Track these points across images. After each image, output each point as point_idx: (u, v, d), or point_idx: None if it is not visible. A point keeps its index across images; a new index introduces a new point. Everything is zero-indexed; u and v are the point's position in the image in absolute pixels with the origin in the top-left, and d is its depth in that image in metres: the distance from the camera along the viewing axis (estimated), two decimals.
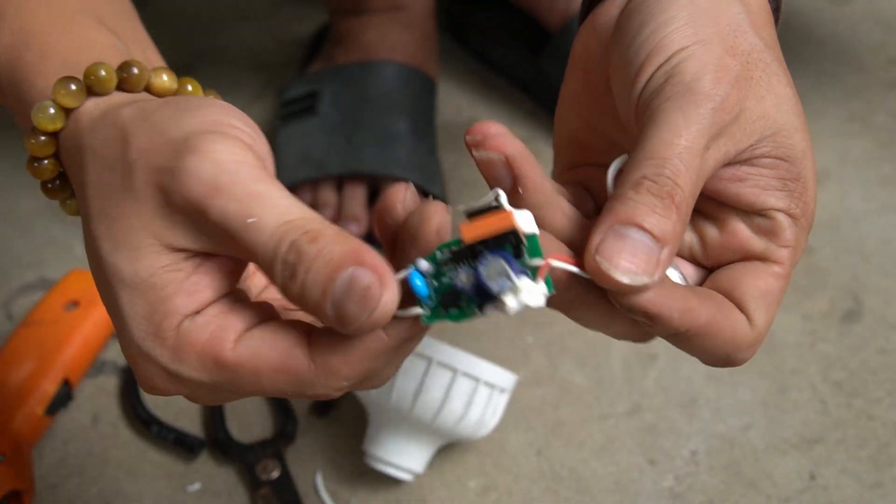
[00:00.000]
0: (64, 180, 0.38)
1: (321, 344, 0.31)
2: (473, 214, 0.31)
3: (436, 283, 0.31)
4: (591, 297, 0.32)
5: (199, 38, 0.93)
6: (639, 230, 0.30)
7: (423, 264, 0.30)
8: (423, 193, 0.72)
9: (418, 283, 0.30)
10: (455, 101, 0.86)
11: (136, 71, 0.36)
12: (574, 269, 0.31)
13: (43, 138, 0.36)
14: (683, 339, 0.32)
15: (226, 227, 0.30)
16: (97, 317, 0.63)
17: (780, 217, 0.34)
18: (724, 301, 0.34)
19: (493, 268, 0.29)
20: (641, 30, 0.34)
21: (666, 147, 0.31)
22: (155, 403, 0.62)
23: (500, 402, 0.57)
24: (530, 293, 0.29)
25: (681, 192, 0.31)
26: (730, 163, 0.34)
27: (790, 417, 0.62)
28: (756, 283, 0.34)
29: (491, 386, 0.55)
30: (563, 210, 0.35)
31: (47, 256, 0.72)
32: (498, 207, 0.30)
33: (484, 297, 0.30)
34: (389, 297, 0.29)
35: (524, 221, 0.30)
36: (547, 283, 0.30)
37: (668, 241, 0.31)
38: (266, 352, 0.31)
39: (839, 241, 0.73)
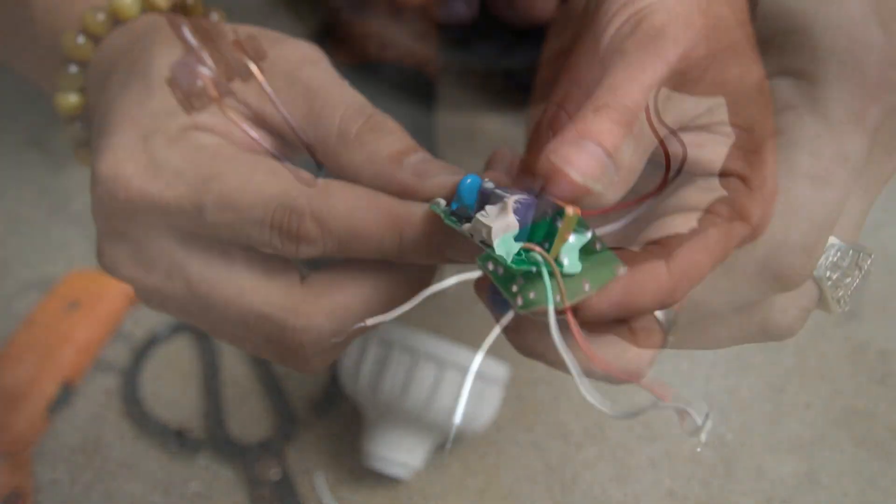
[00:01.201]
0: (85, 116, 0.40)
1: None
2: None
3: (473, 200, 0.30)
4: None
5: None
6: (596, 144, 0.29)
7: (490, 184, 0.30)
8: None
9: (468, 181, 0.30)
10: (455, 101, 0.86)
11: (190, 2, 0.40)
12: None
13: (81, 40, 0.38)
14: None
15: (313, 86, 0.35)
16: (97, 317, 0.63)
17: (734, 181, 0.33)
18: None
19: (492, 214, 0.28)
20: None
21: (629, 81, 0.30)
22: (155, 403, 0.62)
23: (494, 393, 0.56)
24: (500, 240, 0.28)
25: (639, 126, 0.30)
26: (687, 128, 0.33)
27: (790, 417, 0.62)
28: (685, 224, 0.32)
29: (482, 377, 0.55)
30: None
31: (47, 256, 0.72)
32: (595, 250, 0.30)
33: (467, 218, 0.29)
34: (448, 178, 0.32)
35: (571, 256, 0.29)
36: (523, 301, 0.29)
37: (623, 166, 0.30)
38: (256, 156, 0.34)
39: None
